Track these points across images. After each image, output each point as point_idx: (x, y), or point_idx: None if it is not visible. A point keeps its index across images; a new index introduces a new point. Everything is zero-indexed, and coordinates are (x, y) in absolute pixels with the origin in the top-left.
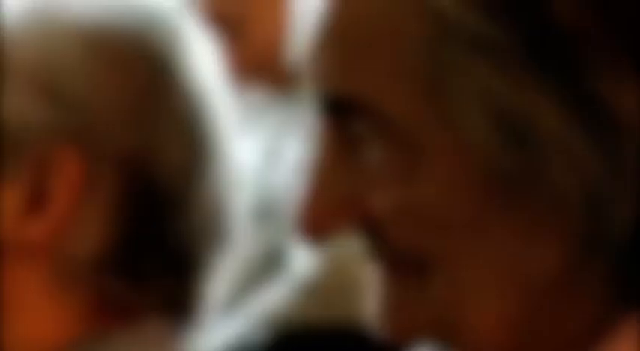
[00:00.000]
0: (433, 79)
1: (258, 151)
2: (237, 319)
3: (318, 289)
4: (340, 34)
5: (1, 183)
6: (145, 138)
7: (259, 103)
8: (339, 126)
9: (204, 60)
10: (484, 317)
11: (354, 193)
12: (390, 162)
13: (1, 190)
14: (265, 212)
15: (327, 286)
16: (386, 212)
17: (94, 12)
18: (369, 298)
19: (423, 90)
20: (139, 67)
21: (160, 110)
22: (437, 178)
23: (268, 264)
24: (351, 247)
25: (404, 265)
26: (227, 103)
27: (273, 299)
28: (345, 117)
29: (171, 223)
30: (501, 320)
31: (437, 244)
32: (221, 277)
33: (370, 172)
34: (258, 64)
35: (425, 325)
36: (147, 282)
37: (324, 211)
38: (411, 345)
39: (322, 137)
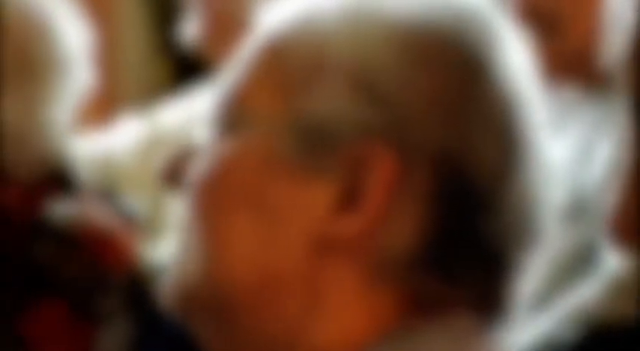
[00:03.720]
0: None
1: (570, 150)
2: (547, 318)
3: (629, 288)
4: None
5: (316, 180)
6: (458, 136)
7: (573, 101)
8: None
9: (517, 58)
10: None
11: None
12: None
13: (315, 187)
14: (577, 210)
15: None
16: None
17: (408, 10)
18: None
19: None
20: (453, 66)
21: (473, 109)
22: None
23: (579, 262)
24: None
25: None
26: (540, 102)
27: (584, 297)
28: None
29: (483, 220)
30: None
31: None
32: (531, 275)
33: None
34: (572, 61)
35: None
36: (457, 279)
37: (638, 221)
38: None
39: (634, 145)
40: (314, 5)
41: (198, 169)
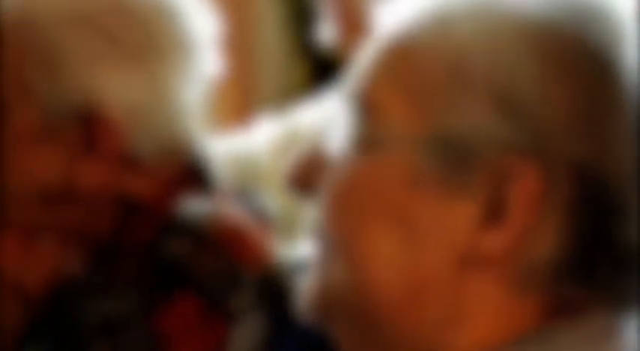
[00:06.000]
0: None
1: None
2: None
3: None
4: None
5: (459, 196)
6: (595, 144)
7: None
8: None
9: None
10: None
11: None
12: None
13: (458, 204)
14: None
15: None
16: None
17: (540, 19)
18: None
19: None
20: (587, 74)
21: (607, 116)
22: None
23: None
24: None
25: None
26: None
27: None
28: None
29: (620, 225)
30: None
31: None
32: None
33: None
34: None
35: None
36: (596, 283)
37: None
38: None
39: None
40: (444, 8)
41: (334, 179)
